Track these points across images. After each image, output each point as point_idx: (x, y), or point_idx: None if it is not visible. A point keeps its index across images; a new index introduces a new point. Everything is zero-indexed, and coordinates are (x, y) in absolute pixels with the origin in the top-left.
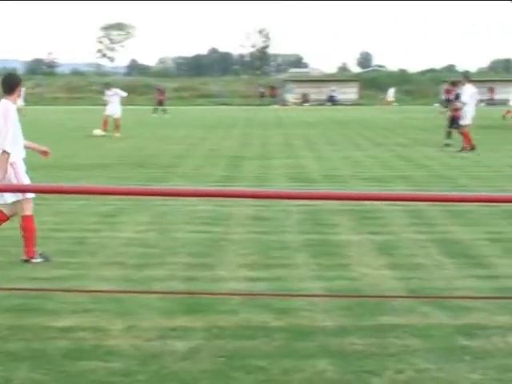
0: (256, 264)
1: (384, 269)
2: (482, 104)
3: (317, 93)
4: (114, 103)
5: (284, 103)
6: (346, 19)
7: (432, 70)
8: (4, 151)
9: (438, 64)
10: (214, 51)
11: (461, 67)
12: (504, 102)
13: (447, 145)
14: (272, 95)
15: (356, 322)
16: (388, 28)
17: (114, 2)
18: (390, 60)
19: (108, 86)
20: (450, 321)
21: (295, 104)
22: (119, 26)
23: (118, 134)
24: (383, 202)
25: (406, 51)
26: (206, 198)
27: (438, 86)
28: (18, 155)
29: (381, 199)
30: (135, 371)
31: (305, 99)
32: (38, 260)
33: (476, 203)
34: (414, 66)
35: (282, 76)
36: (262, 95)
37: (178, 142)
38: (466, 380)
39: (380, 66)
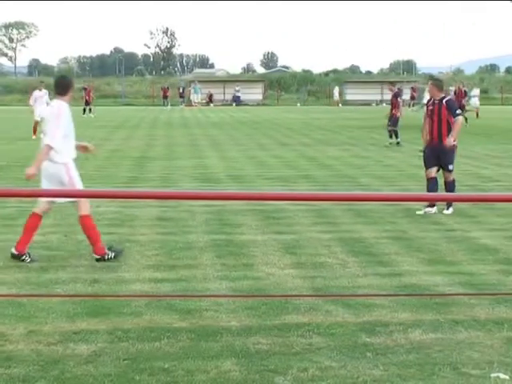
0: (161, 265)
1: (289, 268)
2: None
3: (222, 93)
4: (43, 104)
5: (189, 103)
6: (253, 20)
7: (335, 71)
8: (48, 145)
9: (342, 65)
10: (118, 51)
11: (364, 68)
12: (406, 103)
13: (398, 143)
14: (165, 96)
15: (261, 321)
16: (293, 29)
17: (13, 2)
18: (294, 61)
19: (41, 85)
20: (353, 318)
21: (200, 104)
22: (20, 25)
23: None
24: (288, 202)
25: (311, 52)
26: (109, 199)
27: (341, 86)
28: (70, 155)
29: (285, 199)
30: (36, 377)
31: (210, 99)
32: (111, 255)
33: (378, 202)
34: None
35: (188, 76)
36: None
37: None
38: (368, 376)
39: (285, 67)
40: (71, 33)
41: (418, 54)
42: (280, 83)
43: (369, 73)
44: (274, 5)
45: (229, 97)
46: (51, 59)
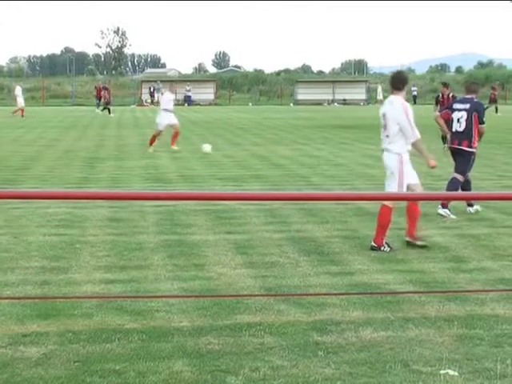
0: (112, 266)
1: (240, 268)
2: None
3: (174, 93)
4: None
5: (141, 103)
6: (205, 20)
7: (287, 71)
8: (418, 139)
9: (293, 64)
10: (68, 50)
11: (316, 68)
12: (357, 102)
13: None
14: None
15: (212, 321)
16: (245, 29)
17: None
18: (246, 60)
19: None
20: (305, 318)
21: (152, 104)
22: None
23: None
24: (239, 202)
25: (262, 52)
26: (60, 200)
27: (293, 85)
28: (405, 148)
29: (236, 199)
30: None
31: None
32: (387, 249)
33: (329, 201)
34: (270, 66)
35: (139, 76)
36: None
37: (29, 144)
38: (320, 375)
39: (237, 67)
40: (21, 32)
41: (370, 54)
42: (232, 83)
43: (320, 72)
44: (226, 5)
45: (180, 97)
46: (0, 59)
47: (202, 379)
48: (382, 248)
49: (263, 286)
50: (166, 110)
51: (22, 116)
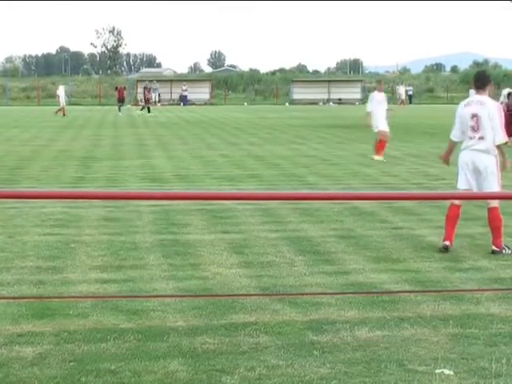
0: (107, 265)
1: (236, 267)
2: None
3: (169, 93)
4: None
5: (136, 103)
6: (200, 19)
7: (282, 70)
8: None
9: (289, 63)
10: (63, 50)
11: (311, 67)
12: (352, 102)
13: None
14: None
15: (208, 321)
16: (240, 28)
17: None
18: (242, 60)
19: None
20: (300, 317)
21: (146, 104)
22: None
23: None
24: (235, 201)
25: (258, 51)
26: (55, 199)
27: (288, 85)
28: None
29: (232, 198)
30: None
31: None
32: (508, 252)
33: (325, 201)
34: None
35: (134, 76)
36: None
37: (25, 143)
38: (315, 374)
39: (232, 66)
40: (16, 32)
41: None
42: (227, 82)
43: (316, 72)
44: (221, 4)
45: (176, 96)
46: None
47: (197, 379)
48: (504, 251)
49: (259, 286)
50: None
51: (64, 115)
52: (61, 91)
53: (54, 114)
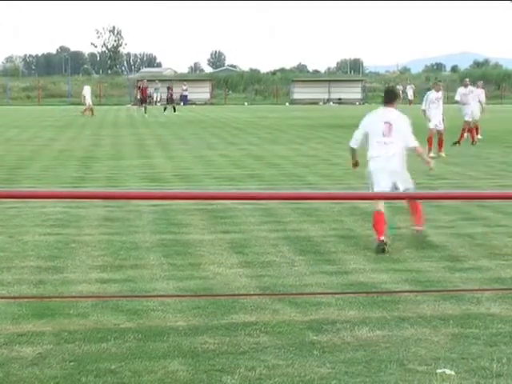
0: (107, 265)
1: (236, 267)
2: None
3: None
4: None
5: (136, 103)
6: (200, 19)
7: (283, 70)
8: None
9: (289, 63)
10: (64, 50)
11: (311, 67)
12: (352, 102)
13: None
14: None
15: (208, 321)
16: (240, 28)
17: None
18: (242, 60)
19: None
20: (300, 317)
21: (143, 104)
22: None
23: None
24: (235, 201)
25: (258, 51)
26: (55, 199)
27: (288, 85)
28: None
29: (232, 198)
30: None
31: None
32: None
33: (325, 201)
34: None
35: (135, 75)
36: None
37: (25, 143)
38: (315, 374)
39: (232, 66)
40: (16, 31)
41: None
42: (227, 82)
43: (316, 72)
44: (222, 4)
45: (176, 96)
46: None
47: (197, 378)
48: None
49: (259, 286)
50: None
51: (93, 115)
52: (86, 91)
53: (81, 114)
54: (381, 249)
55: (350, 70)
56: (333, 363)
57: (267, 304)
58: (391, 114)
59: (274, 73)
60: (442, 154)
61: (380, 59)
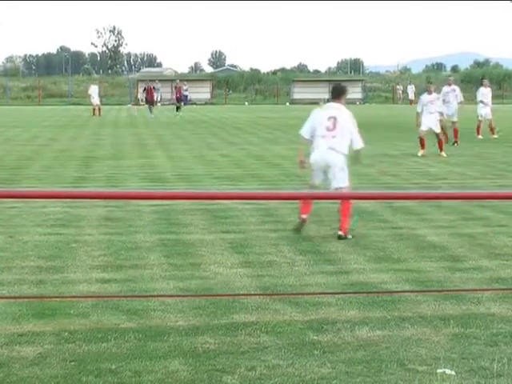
0: (108, 265)
1: (236, 267)
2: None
3: (170, 92)
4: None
5: (136, 103)
6: (201, 19)
7: (283, 70)
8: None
9: (289, 63)
10: (64, 49)
11: (312, 67)
12: (352, 102)
13: None
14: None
15: (208, 320)
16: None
17: None
18: (242, 59)
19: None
20: (301, 317)
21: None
22: None
23: None
24: (235, 201)
25: (259, 51)
26: (56, 199)
27: (289, 85)
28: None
29: (233, 198)
30: None
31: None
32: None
33: (325, 200)
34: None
35: (135, 75)
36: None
37: (26, 143)
38: (316, 374)
39: (233, 66)
40: (17, 31)
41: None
42: (228, 82)
43: (316, 72)
44: (222, 4)
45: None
46: None
47: (197, 378)
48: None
49: (259, 286)
50: None
51: (100, 115)
52: (93, 91)
53: (91, 116)
54: (298, 227)
55: (351, 69)
56: (333, 363)
57: (267, 304)
58: (337, 109)
59: (274, 73)
60: (443, 154)
61: (380, 59)
